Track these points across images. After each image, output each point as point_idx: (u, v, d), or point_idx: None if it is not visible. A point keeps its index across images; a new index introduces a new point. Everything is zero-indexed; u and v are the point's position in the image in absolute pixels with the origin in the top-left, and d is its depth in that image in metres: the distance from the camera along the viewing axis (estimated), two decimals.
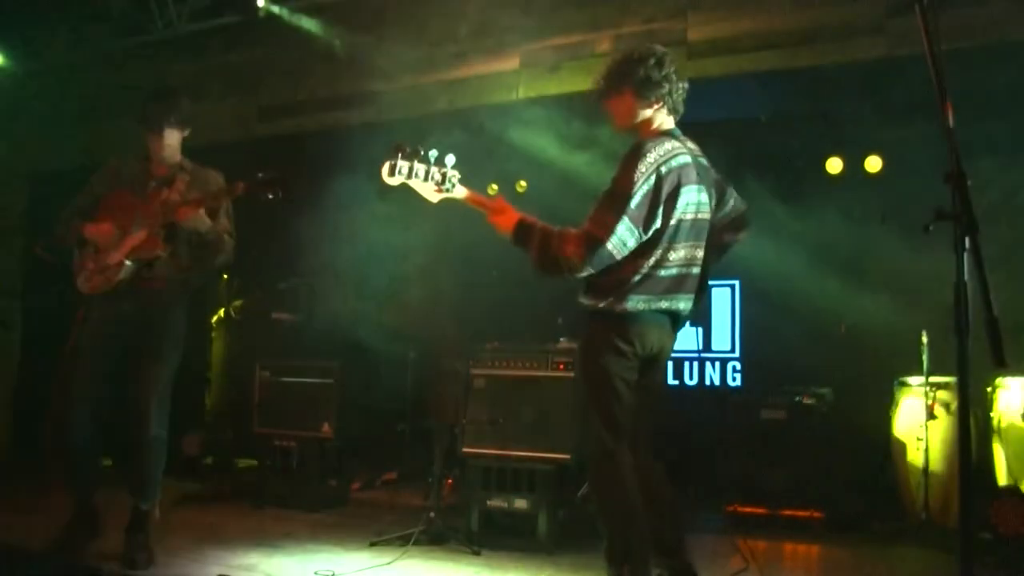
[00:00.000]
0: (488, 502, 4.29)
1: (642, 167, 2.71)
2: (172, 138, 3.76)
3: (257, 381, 5.48)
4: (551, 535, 4.17)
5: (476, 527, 4.30)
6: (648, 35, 4.96)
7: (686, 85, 2.95)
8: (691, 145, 2.93)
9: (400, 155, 2.78)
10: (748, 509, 4.69)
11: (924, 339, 4.48)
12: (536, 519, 4.18)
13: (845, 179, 5.62)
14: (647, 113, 2.91)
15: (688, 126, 3.00)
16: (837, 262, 5.40)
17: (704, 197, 2.89)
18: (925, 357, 4.47)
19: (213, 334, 6.74)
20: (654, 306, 2.81)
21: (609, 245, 2.67)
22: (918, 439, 4.49)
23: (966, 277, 1.84)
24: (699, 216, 2.87)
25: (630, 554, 2.75)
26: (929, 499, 4.37)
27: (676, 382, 6.07)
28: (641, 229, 2.70)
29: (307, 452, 5.30)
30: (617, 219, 2.67)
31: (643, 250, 2.76)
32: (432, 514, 4.23)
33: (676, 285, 2.84)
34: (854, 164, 5.60)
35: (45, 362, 4.68)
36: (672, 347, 3.00)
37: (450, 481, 5.10)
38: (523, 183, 6.39)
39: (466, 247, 5.93)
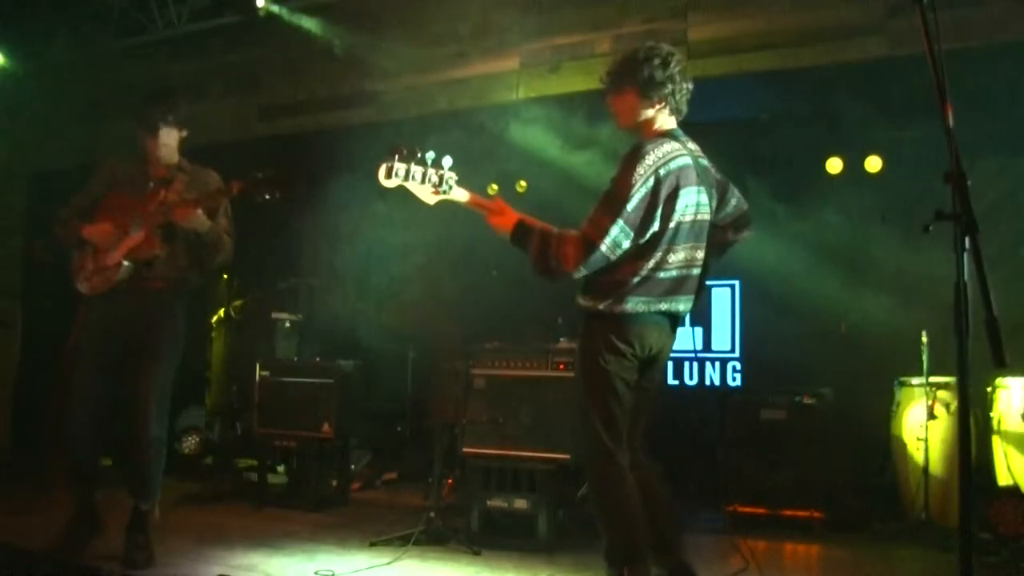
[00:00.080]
0: (488, 502, 4.29)
1: (640, 169, 2.70)
2: (169, 138, 3.76)
3: (257, 381, 5.48)
4: (551, 535, 4.17)
5: (476, 527, 4.30)
6: (648, 35, 4.96)
7: (690, 85, 2.93)
8: (692, 146, 2.92)
9: (397, 157, 2.77)
10: (748, 509, 4.69)
11: (924, 339, 4.48)
12: (536, 519, 4.18)
13: (845, 179, 5.62)
14: (649, 113, 2.91)
15: (688, 126, 3.00)
16: (837, 262, 5.40)
17: (704, 198, 2.88)
18: (925, 357, 4.47)
19: (213, 334, 6.74)
20: (653, 308, 2.80)
21: (603, 247, 2.67)
22: (918, 439, 4.49)
23: (966, 277, 1.84)
24: (699, 217, 2.86)
25: (630, 555, 2.74)
26: (929, 499, 4.38)
27: (676, 382, 6.07)
28: (636, 231, 2.70)
29: (307, 452, 5.30)
30: (612, 221, 2.67)
31: (642, 252, 2.76)
32: (432, 514, 4.23)
33: (676, 287, 2.83)
34: (854, 164, 5.60)
35: (45, 362, 4.68)
36: (671, 347, 2.99)
37: (450, 481, 5.11)
38: (523, 183, 6.39)
39: (466, 247, 5.94)
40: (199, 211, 3.57)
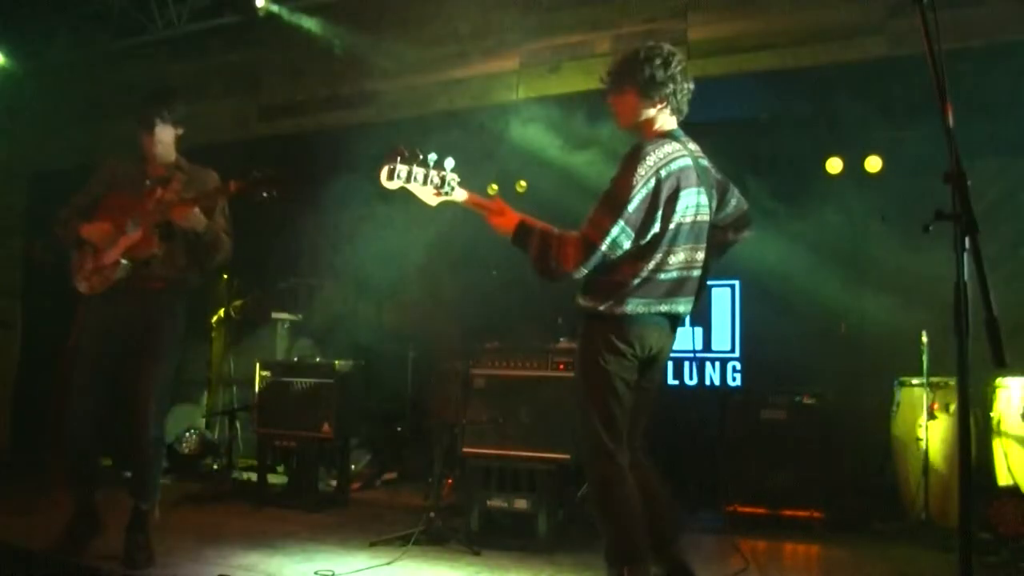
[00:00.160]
0: (488, 502, 4.29)
1: (641, 170, 2.70)
2: (164, 135, 3.76)
3: (257, 381, 5.48)
4: (551, 535, 4.17)
5: (476, 527, 4.30)
6: (648, 35, 4.96)
7: (691, 85, 2.92)
8: (692, 146, 2.92)
9: (399, 159, 2.77)
10: (748, 509, 4.69)
11: (924, 339, 4.48)
12: (536, 519, 4.18)
13: (845, 179, 5.62)
14: (650, 113, 2.90)
15: (688, 126, 3.00)
16: (837, 262, 5.40)
17: (704, 199, 2.88)
18: (925, 357, 4.47)
19: (213, 334, 6.74)
20: (654, 309, 2.80)
21: (604, 247, 2.67)
22: (918, 439, 4.49)
23: (966, 277, 1.84)
24: (698, 218, 2.86)
25: (630, 555, 2.74)
26: (929, 499, 4.37)
27: (676, 382, 6.07)
28: (637, 232, 2.70)
29: (307, 452, 5.30)
30: (613, 222, 2.67)
31: (643, 253, 2.76)
32: (432, 514, 4.23)
33: (676, 288, 2.83)
34: (854, 164, 5.60)
35: (45, 362, 4.68)
36: (671, 348, 2.99)
37: (450, 481, 5.11)
38: (523, 183, 6.39)
39: (466, 247, 5.93)
40: (197, 210, 3.57)
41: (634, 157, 2.73)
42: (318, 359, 5.63)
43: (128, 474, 3.89)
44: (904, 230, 4.99)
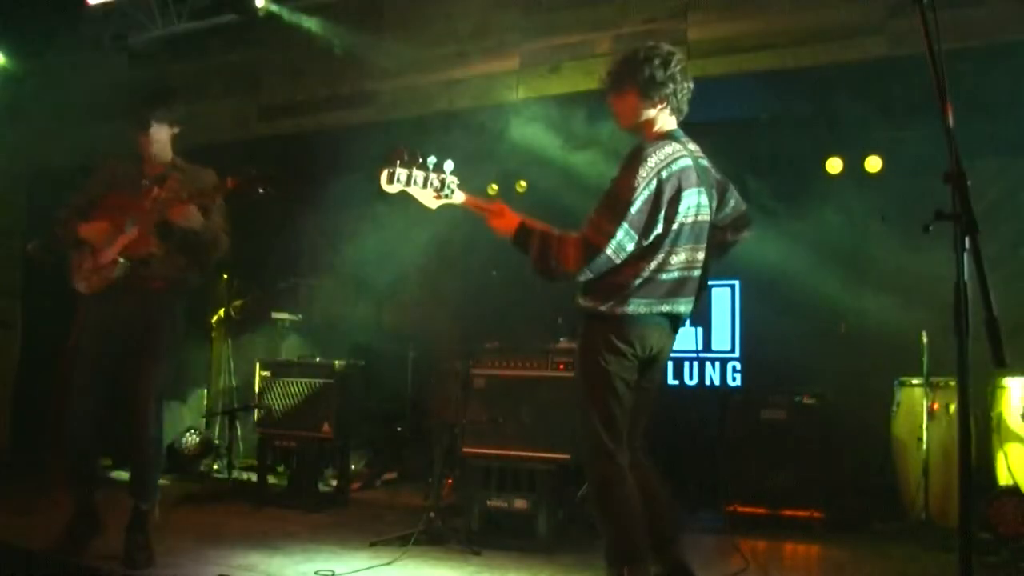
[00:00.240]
0: (488, 502, 4.29)
1: (643, 172, 2.70)
2: (160, 134, 3.76)
3: (257, 381, 5.48)
4: (551, 535, 4.17)
5: (476, 527, 4.30)
6: (648, 35, 4.95)
7: (691, 85, 2.92)
8: (692, 147, 2.92)
9: (399, 162, 2.77)
10: (748, 509, 4.69)
11: (924, 339, 4.48)
12: (536, 519, 4.18)
13: (845, 179, 5.62)
14: (650, 113, 2.90)
15: (688, 126, 3.00)
16: (837, 262, 5.40)
17: (704, 199, 2.88)
18: (925, 357, 4.47)
19: (213, 334, 6.74)
20: (655, 310, 2.80)
21: (608, 251, 2.67)
22: (918, 439, 4.49)
23: (966, 277, 1.84)
24: (699, 218, 2.86)
25: (630, 554, 2.74)
26: (929, 499, 4.37)
27: (676, 382, 6.07)
28: (640, 234, 2.70)
29: (307, 452, 5.30)
30: (616, 225, 2.66)
31: (644, 254, 2.76)
32: (432, 514, 4.23)
33: (677, 288, 2.83)
34: (854, 164, 5.60)
35: (45, 362, 4.68)
36: (671, 348, 3.00)
37: (450, 481, 5.11)
38: (523, 183, 6.39)
39: (466, 247, 5.94)
40: (194, 208, 3.58)
41: (635, 159, 2.73)
42: (318, 359, 5.63)
43: (114, 474, 3.88)
44: (904, 230, 4.99)
